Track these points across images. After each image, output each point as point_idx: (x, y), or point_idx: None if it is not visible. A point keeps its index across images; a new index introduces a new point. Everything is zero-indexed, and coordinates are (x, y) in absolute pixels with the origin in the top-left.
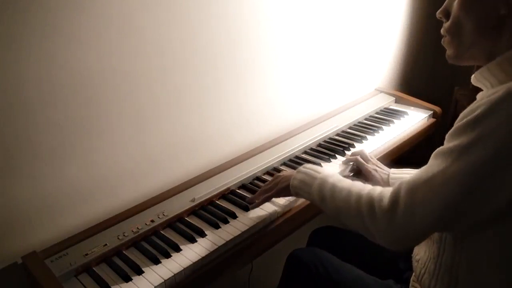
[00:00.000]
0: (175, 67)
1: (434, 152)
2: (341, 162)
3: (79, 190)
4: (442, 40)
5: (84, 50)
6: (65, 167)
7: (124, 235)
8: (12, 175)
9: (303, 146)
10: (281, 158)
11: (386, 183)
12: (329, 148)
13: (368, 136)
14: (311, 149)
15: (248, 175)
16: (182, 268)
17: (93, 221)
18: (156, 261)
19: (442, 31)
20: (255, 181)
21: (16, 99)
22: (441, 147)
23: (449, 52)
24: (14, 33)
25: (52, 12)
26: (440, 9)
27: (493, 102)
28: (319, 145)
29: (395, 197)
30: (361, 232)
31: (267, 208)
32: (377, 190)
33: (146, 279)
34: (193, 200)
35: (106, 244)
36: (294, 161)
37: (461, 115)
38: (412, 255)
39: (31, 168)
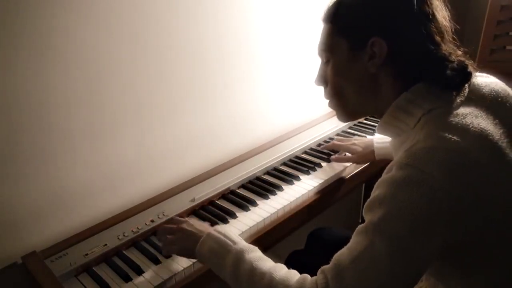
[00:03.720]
0: (176, 68)
1: (356, 229)
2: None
3: (78, 190)
4: (328, 103)
5: (84, 52)
6: (65, 168)
7: (124, 235)
8: (12, 176)
9: (303, 146)
10: (281, 158)
11: (370, 151)
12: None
13: (368, 136)
14: (311, 149)
15: (248, 175)
16: (182, 268)
17: (93, 221)
18: (156, 261)
19: (325, 96)
20: (255, 181)
21: (18, 101)
22: (360, 226)
23: (337, 114)
24: (14, 34)
25: (55, 14)
26: (316, 78)
27: (394, 184)
28: (319, 145)
29: (325, 286)
30: None
31: (267, 209)
32: (306, 282)
33: (146, 279)
34: (193, 200)
35: (106, 244)
36: (294, 161)
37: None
38: None
39: (31, 168)
